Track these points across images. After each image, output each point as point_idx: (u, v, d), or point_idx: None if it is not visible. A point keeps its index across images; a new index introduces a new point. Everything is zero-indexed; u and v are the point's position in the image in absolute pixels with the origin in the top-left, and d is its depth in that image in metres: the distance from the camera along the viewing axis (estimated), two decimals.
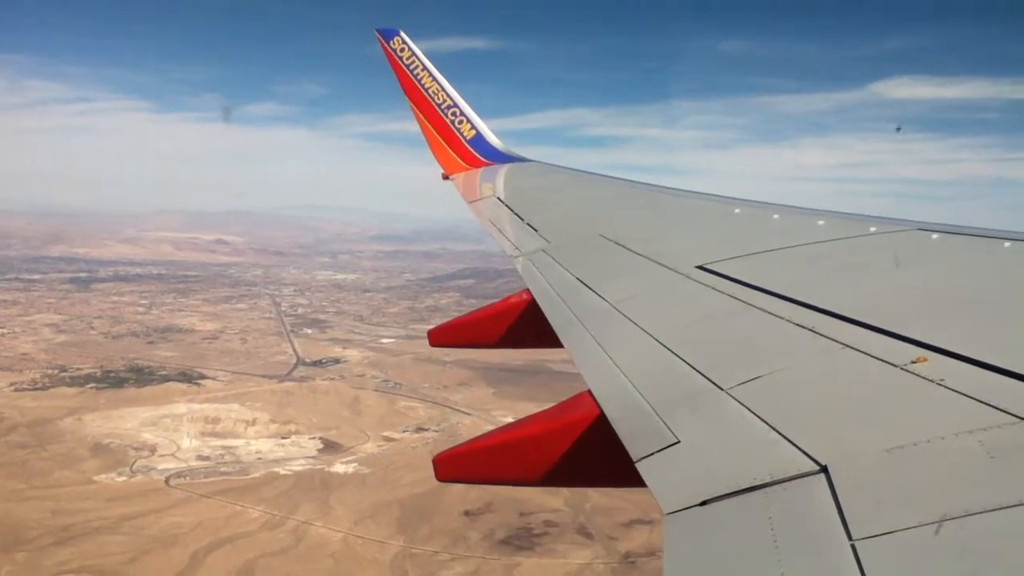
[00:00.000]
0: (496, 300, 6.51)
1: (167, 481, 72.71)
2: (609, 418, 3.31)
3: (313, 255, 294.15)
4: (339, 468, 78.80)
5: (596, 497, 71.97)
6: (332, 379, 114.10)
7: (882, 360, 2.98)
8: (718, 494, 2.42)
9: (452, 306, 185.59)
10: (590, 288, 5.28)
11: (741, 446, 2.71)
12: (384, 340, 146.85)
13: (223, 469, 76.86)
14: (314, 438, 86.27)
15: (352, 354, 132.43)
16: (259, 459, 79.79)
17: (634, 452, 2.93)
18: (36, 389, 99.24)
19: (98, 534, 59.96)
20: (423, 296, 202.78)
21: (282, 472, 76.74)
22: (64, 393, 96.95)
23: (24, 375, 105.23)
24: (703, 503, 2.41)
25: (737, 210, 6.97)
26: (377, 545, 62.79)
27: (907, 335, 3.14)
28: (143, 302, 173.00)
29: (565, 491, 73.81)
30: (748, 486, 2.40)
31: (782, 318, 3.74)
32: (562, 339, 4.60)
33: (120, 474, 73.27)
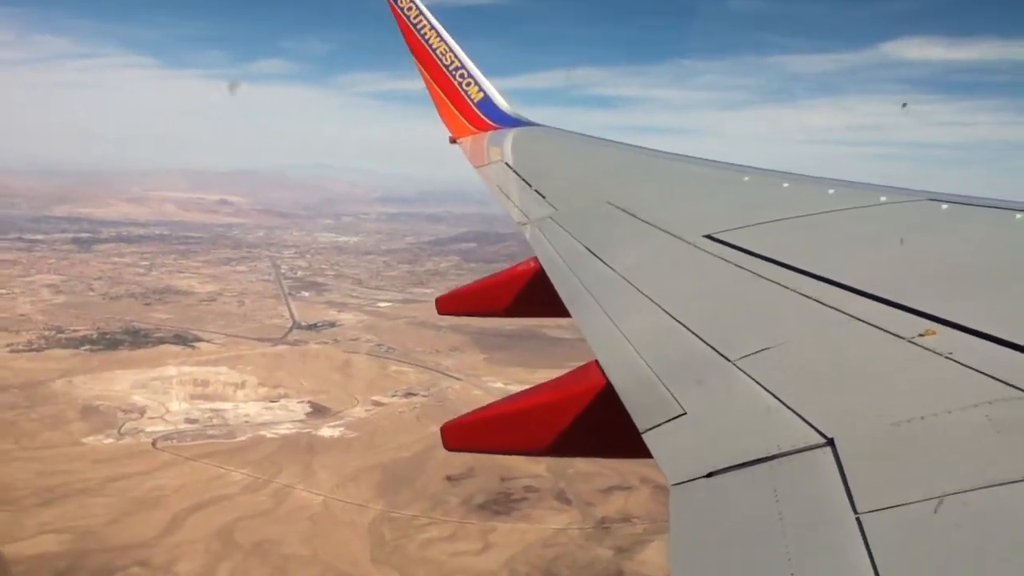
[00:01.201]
0: (499, 265, 6.60)
1: (154, 443, 73.77)
2: (616, 388, 3.32)
3: (317, 216, 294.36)
4: (325, 432, 79.71)
5: (579, 463, 72.70)
6: (326, 343, 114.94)
7: (890, 332, 2.97)
8: (724, 466, 2.42)
9: (452, 270, 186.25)
10: (597, 256, 5.26)
11: (747, 418, 2.70)
12: (381, 304, 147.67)
13: (210, 432, 77.87)
14: (303, 402, 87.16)
15: (347, 318, 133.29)
16: (247, 422, 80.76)
17: (641, 423, 2.94)
18: (31, 350, 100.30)
19: (82, 495, 61.13)
20: (423, 259, 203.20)
21: (268, 435, 77.72)
22: (58, 355, 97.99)
23: (20, 336, 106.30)
24: (709, 475, 2.42)
25: (746, 178, 6.93)
26: (356, 508, 63.81)
27: (916, 307, 3.12)
28: (143, 263, 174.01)
29: (548, 458, 74.73)
30: (754, 458, 2.40)
31: (790, 289, 3.72)
32: (569, 308, 4.58)
33: (108, 436, 74.33)
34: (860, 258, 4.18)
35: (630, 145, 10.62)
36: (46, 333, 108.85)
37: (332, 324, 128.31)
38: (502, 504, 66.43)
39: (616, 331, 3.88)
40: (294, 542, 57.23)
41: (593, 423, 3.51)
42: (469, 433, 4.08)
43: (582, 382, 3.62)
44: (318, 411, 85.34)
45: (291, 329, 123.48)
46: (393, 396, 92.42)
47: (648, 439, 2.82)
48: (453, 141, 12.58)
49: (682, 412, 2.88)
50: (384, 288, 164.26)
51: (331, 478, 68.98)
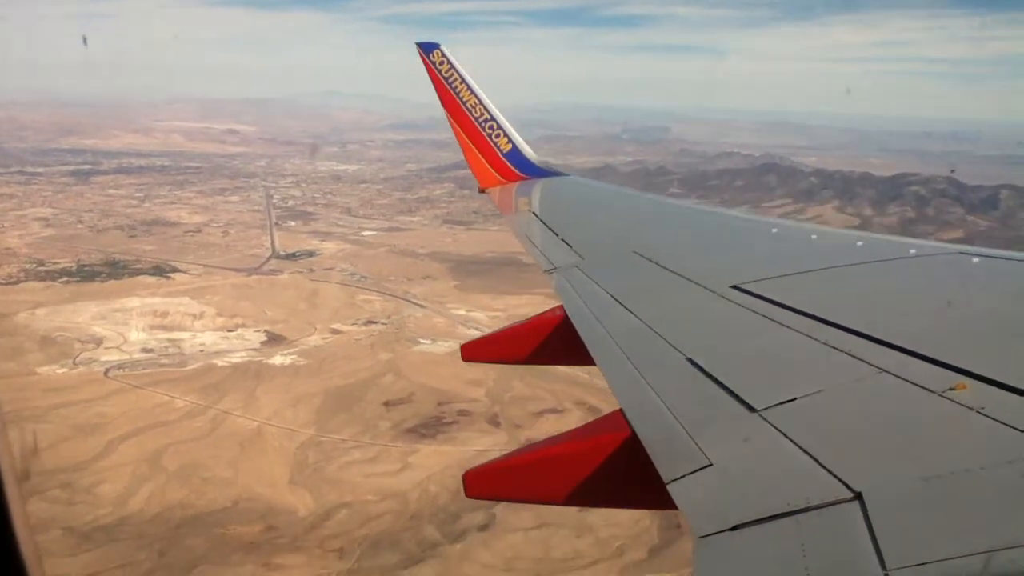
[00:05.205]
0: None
1: (106, 372, 76.36)
2: (641, 438, 3.32)
3: (322, 145, 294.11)
4: (277, 360, 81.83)
5: (519, 387, 74.63)
6: (300, 272, 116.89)
7: (919, 386, 2.99)
8: (750, 519, 2.42)
9: (444, 197, 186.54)
10: (624, 305, 5.33)
11: (774, 470, 2.71)
12: (365, 232, 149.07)
13: (163, 361, 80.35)
14: (259, 331, 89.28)
15: (328, 247, 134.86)
16: (201, 351, 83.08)
17: (665, 474, 2.93)
18: (8, 284, 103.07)
19: (23, 422, 63.59)
20: (417, 187, 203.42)
21: (220, 364, 79.96)
22: (32, 287, 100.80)
23: (0, 269, 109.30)
24: (735, 527, 2.41)
25: (774, 229, 7.11)
26: (288, 434, 66.19)
27: (946, 361, 3.14)
28: (138, 195, 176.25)
29: (488, 381, 76.55)
30: (780, 512, 2.40)
31: (818, 340, 3.75)
32: (594, 357, 4.62)
33: (62, 366, 76.91)
34: (889, 310, 4.23)
35: (656, 197, 11.31)
36: (27, 266, 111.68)
37: (311, 254, 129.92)
38: (431, 427, 68.48)
39: (642, 380, 3.92)
40: (218, 466, 59.78)
41: (617, 473, 3.50)
42: (490, 481, 4.06)
43: (606, 431, 3.65)
44: (273, 340, 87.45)
45: (268, 259, 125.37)
46: (354, 324, 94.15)
47: (673, 490, 2.82)
48: (482, 191, 13.05)
49: (708, 463, 2.90)
50: (372, 216, 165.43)
51: (271, 404, 71.29)
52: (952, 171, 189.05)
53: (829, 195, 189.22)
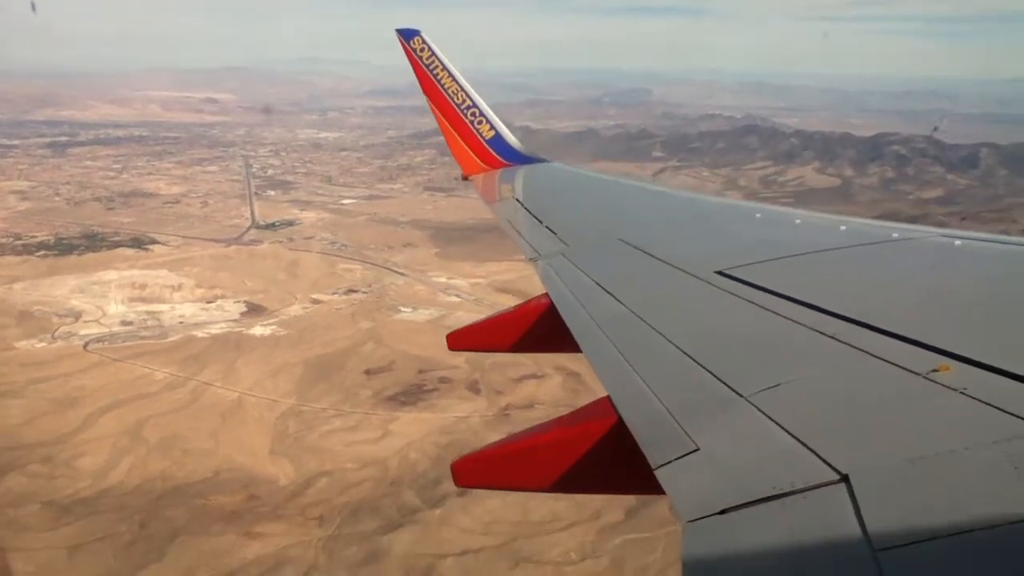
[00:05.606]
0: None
1: (85, 346, 76.04)
2: (628, 424, 3.35)
3: (302, 112, 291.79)
4: (257, 331, 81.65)
5: (499, 354, 74.75)
6: (280, 242, 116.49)
7: (904, 368, 3.02)
8: (738, 503, 2.44)
9: (425, 164, 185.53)
10: (609, 293, 5.32)
11: (761, 454, 2.72)
12: (345, 201, 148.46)
13: (143, 334, 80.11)
14: (239, 302, 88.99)
15: (308, 216, 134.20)
16: (180, 323, 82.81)
17: (653, 459, 2.95)
18: None
19: (1, 398, 63.98)
20: (398, 154, 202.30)
21: (199, 335, 79.74)
22: (8, 262, 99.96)
23: None
24: (722, 512, 2.43)
25: (758, 215, 7.12)
26: (268, 403, 66.32)
27: (929, 343, 3.19)
28: (116, 166, 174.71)
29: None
30: (768, 495, 2.42)
31: (803, 324, 3.79)
32: (580, 344, 4.62)
33: (41, 340, 76.49)
34: (873, 294, 4.29)
35: (641, 183, 11.21)
36: (3, 240, 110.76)
37: (291, 223, 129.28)
38: (412, 395, 68.72)
39: (628, 367, 3.93)
40: (199, 437, 59.89)
41: (604, 459, 3.55)
42: (480, 469, 4.11)
43: (593, 417, 3.67)
44: (253, 310, 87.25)
45: (247, 229, 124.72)
46: (334, 294, 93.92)
47: (660, 475, 2.84)
48: (465, 178, 12.93)
49: (695, 448, 2.92)
50: (352, 185, 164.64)
51: (251, 375, 71.29)
52: (936, 128, 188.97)
53: (810, 156, 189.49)
